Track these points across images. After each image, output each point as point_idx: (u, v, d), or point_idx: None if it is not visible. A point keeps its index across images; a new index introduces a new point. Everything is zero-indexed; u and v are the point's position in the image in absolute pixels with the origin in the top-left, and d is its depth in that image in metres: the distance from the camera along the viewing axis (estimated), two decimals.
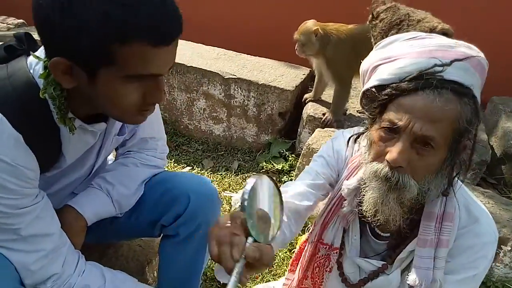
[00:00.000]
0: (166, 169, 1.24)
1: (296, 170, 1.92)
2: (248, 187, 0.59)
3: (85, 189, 1.04)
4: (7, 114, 0.75)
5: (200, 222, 1.09)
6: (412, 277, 0.86)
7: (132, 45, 0.66)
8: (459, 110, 0.73)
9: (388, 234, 0.93)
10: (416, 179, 0.77)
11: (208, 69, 2.44)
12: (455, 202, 0.84)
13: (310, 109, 2.27)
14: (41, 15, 0.66)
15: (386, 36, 0.82)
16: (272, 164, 2.35)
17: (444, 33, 0.81)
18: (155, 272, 1.42)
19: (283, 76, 2.50)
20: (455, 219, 0.84)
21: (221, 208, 2.05)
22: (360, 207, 0.87)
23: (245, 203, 0.58)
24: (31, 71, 0.79)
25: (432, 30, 0.81)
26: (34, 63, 0.79)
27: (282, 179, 2.29)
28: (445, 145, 0.75)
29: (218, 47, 2.82)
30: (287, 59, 2.77)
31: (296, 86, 2.41)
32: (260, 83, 2.38)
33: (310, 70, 2.69)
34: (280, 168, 2.32)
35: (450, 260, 0.86)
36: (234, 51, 2.79)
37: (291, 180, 2.20)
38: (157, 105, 1.13)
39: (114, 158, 1.21)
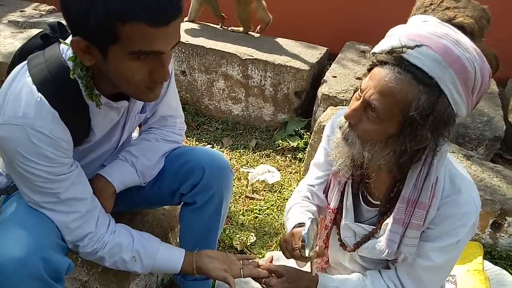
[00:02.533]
0: (184, 144, 1.36)
1: (308, 147, 2.01)
2: (306, 228, 0.99)
3: (113, 161, 1.18)
4: (45, 94, 0.88)
5: (214, 191, 1.21)
6: (380, 243, 0.97)
7: (132, 25, 0.75)
8: (412, 95, 0.77)
9: (378, 202, 1.02)
10: (362, 140, 0.87)
11: (226, 51, 2.54)
12: (431, 191, 0.89)
13: (325, 88, 2.33)
14: (62, 2, 0.78)
15: (415, 13, 0.85)
16: (288, 142, 2.45)
17: (461, 26, 0.79)
18: (177, 238, 1.57)
19: (299, 55, 2.56)
20: (436, 195, 0.90)
21: (239, 183, 2.19)
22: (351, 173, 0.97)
23: (305, 238, 0.98)
24: (63, 55, 0.91)
25: (450, 21, 0.81)
26: (66, 48, 0.91)
27: (297, 156, 2.39)
28: (390, 121, 0.82)
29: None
30: (304, 39, 2.82)
31: (311, 66, 2.47)
32: (276, 63, 2.45)
33: (327, 49, 2.74)
34: (295, 146, 2.41)
35: (433, 227, 0.93)
36: (253, 32, 2.87)
37: (304, 156, 2.30)
38: (174, 86, 1.25)
39: (138, 134, 1.34)
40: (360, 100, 0.85)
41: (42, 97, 0.87)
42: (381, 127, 0.84)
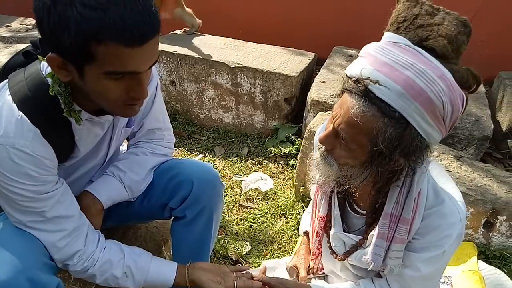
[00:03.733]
0: (173, 156, 1.35)
1: (300, 153, 2.01)
2: None
3: (100, 176, 1.17)
4: (25, 111, 0.86)
5: (204, 204, 1.20)
6: (365, 256, 0.97)
7: (107, 45, 0.74)
8: (378, 128, 0.76)
9: (364, 211, 1.02)
10: (339, 163, 0.87)
11: (215, 60, 2.54)
12: (414, 205, 0.89)
13: (314, 94, 2.34)
14: (37, 17, 0.76)
15: (389, 29, 0.82)
16: (280, 149, 2.45)
17: (432, 49, 0.75)
18: (170, 251, 1.56)
19: (288, 62, 2.57)
20: (419, 207, 0.90)
21: (232, 192, 2.18)
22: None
23: None
24: (43, 72, 0.90)
25: (421, 41, 0.77)
26: (46, 65, 0.90)
27: (290, 162, 2.38)
28: (360, 150, 0.82)
29: (225, 36, 2.91)
30: (292, 45, 2.83)
31: (300, 72, 2.48)
32: (265, 70, 2.46)
33: (315, 55, 2.75)
34: (287, 152, 2.41)
35: (419, 238, 0.93)
36: (241, 39, 2.88)
37: (297, 162, 2.30)
38: (160, 98, 1.25)
39: (127, 147, 1.33)
40: (331, 127, 0.85)
41: (23, 115, 0.86)
42: (352, 154, 0.84)
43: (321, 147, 0.91)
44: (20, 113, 0.86)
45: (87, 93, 0.85)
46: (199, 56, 2.57)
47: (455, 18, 0.78)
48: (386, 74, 0.74)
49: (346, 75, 0.82)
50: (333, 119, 0.84)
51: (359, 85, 0.77)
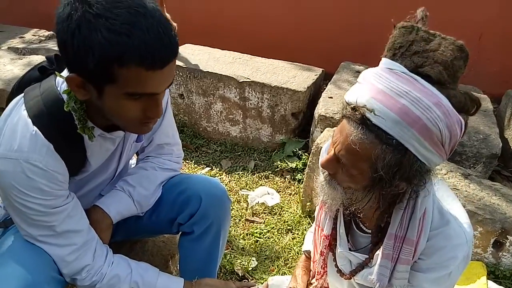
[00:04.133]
0: (182, 171, 1.36)
1: (307, 168, 2.01)
2: None
3: (110, 190, 1.18)
4: (40, 126, 0.88)
5: (212, 220, 1.21)
6: (371, 276, 0.96)
7: (129, 68, 0.76)
8: (377, 154, 0.77)
9: (370, 230, 1.01)
10: (342, 187, 0.88)
11: (223, 74, 2.57)
12: (419, 226, 0.89)
13: (322, 109, 2.35)
14: (60, 38, 0.78)
15: (386, 55, 0.82)
16: (287, 163, 2.45)
17: (428, 75, 0.76)
18: (177, 265, 1.56)
19: (296, 77, 2.59)
20: (424, 227, 0.89)
21: (239, 206, 2.18)
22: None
23: None
24: (59, 88, 0.92)
25: (416, 68, 0.77)
26: (61, 81, 0.92)
27: (296, 177, 2.38)
28: (361, 175, 0.83)
29: (234, 51, 2.94)
30: (300, 61, 2.86)
31: (308, 87, 2.50)
32: (273, 85, 2.48)
33: (322, 70, 2.77)
34: (294, 167, 2.41)
35: (425, 258, 0.92)
36: (250, 54, 2.91)
37: (303, 177, 2.30)
38: (170, 113, 1.26)
39: (136, 161, 1.34)
40: (332, 153, 0.86)
41: (37, 130, 0.88)
42: (353, 179, 0.85)
43: (324, 172, 0.92)
44: (35, 128, 0.88)
45: (102, 111, 0.87)
46: (207, 70, 2.60)
47: (451, 43, 0.78)
48: (382, 102, 0.75)
49: (345, 101, 0.83)
50: (334, 144, 0.85)
51: (356, 112, 0.78)
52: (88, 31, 0.74)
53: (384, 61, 0.81)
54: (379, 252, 0.96)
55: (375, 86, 0.78)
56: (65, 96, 0.90)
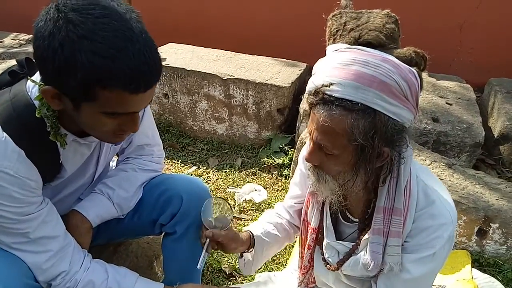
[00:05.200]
0: (169, 171, 1.35)
1: (292, 164, 2.01)
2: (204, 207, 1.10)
3: (89, 194, 1.16)
4: (10, 132, 0.86)
5: (194, 219, 1.19)
6: (365, 257, 0.97)
7: (111, 90, 0.76)
8: (350, 124, 0.80)
9: (357, 219, 1.02)
10: (331, 175, 0.89)
11: (207, 72, 2.55)
12: (405, 200, 0.91)
13: (306, 104, 2.34)
14: (39, 54, 0.76)
15: (328, 43, 0.90)
16: (273, 159, 2.45)
17: (369, 42, 0.81)
18: (162, 266, 1.55)
19: (280, 73, 2.58)
20: (410, 205, 0.91)
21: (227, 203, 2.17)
22: None
23: (201, 214, 1.10)
24: (29, 93, 0.90)
25: (356, 41, 0.83)
26: (32, 86, 0.90)
27: (283, 173, 2.38)
28: (345, 152, 0.84)
29: (217, 48, 2.92)
30: (284, 56, 2.85)
31: (292, 82, 2.49)
32: (257, 81, 2.47)
33: (306, 65, 2.77)
34: (280, 163, 2.41)
35: (409, 240, 0.93)
36: (233, 51, 2.89)
37: (290, 173, 2.30)
38: (149, 114, 1.25)
39: (116, 162, 1.33)
40: (312, 143, 0.88)
41: (7, 136, 0.86)
42: (339, 160, 0.87)
43: (310, 167, 0.93)
44: (4, 134, 0.86)
45: (76, 121, 0.86)
46: (191, 69, 2.58)
47: (378, 13, 0.87)
48: (335, 75, 0.80)
49: (306, 93, 0.87)
50: (310, 135, 0.87)
51: (317, 95, 0.82)
52: (71, 51, 0.72)
53: (329, 48, 0.87)
54: (367, 236, 0.97)
55: (326, 68, 0.83)
56: (36, 102, 0.88)
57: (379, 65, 0.78)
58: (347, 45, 0.84)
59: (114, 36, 0.73)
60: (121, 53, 0.73)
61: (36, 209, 0.93)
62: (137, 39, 0.75)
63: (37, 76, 0.91)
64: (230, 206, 1.13)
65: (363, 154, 0.84)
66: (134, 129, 0.88)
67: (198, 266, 1.06)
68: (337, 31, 0.87)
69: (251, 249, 1.19)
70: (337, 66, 0.80)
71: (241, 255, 1.21)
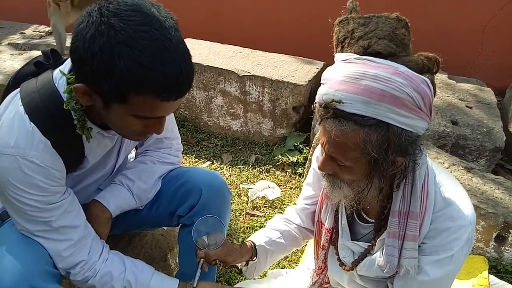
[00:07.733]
0: (182, 165, 1.36)
1: (307, 162, 2.00)
2: (195, 227, 1.08)
3: (109, 185, 1.17)
4: (37, 123, 0.88)
5: (212, 211, 1.19)
6: (380, 259, 0.96)
7: (145, 97, 0.77)
8: (363, 138, 0.79)
9: (373, 220, 1.01)
10: (346, 183, 0.89)
11: (224, 68, 2.55)
12: (421, 202, 0.90)
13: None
14: (77, 54, 0.77)
15: (336, 50, 0.87)
16: (288, 157, 2.44)
17: (378, 52, 0.79)
18: (176, 258, 1.55)
19: (297, 71, 2.57)
20: (428, 207, 0.90)
21: (239, 199, 2.17)
22: None
23: (193, 236, 1.08)
24: (56, 84, 0.91)
25: (365, 50, 0.80)
26: (58, 77, 0.91)
27: (297, 171, 2.37)
28: (359, 163, 0.84)
29: (234, 45, 2.92)
30: (301, 54, 2.83)
31: (309, 81, 2.48)
32: (274, 79, 2.46)
33: (323, 64, 2.75)
34: (295, 161, 2.40)
35: (427, 242, 0.92)
36: (250, 48, 2.89)
37: (304, 171, 2.29)
38: None
39: (135, 154, 1.34)
40: (324, 154, 0.88)
41: (34, 126, 0.87)
42: (353, 171, 0.87)
43: (324, 174, 0.93)
44: (32, 124, 0.87)
45: (104, 118, 0.88)
46: (208, 64, 2.58)
47: (387, 18, 0.83)
48: (345, 90, 0.78)
49: (316, 104, 0.85)
50: (323, 146, 0.87)
51: (328, 109, 0.80)
52: (110, 56, 0.73)
53: (336, 56, 0.85)
54: (383, 237, 0.96)
55: (336, 80, 0.80)
56: (64, 94, 0.89)
57: (390, 79, 0.76)
58: (356, 56, 0.81)
59: (153, 45, 0.74)
60: (158, 62, 0.75)
61: (60, 199, 0.94)
62: (174, 49, 0.77)
63: (64, 67, 0.92)
64: (222, 223, 1.12)
65: (377, 165, 0.83)
66: (159, 132, 0.90)
67: (194, 285, 1.06)
68: (344, 38, 0.84)
69: (254, 258, 1.19)
70: (347, 80, 0.78)
71: (246, 263, 1.21)
